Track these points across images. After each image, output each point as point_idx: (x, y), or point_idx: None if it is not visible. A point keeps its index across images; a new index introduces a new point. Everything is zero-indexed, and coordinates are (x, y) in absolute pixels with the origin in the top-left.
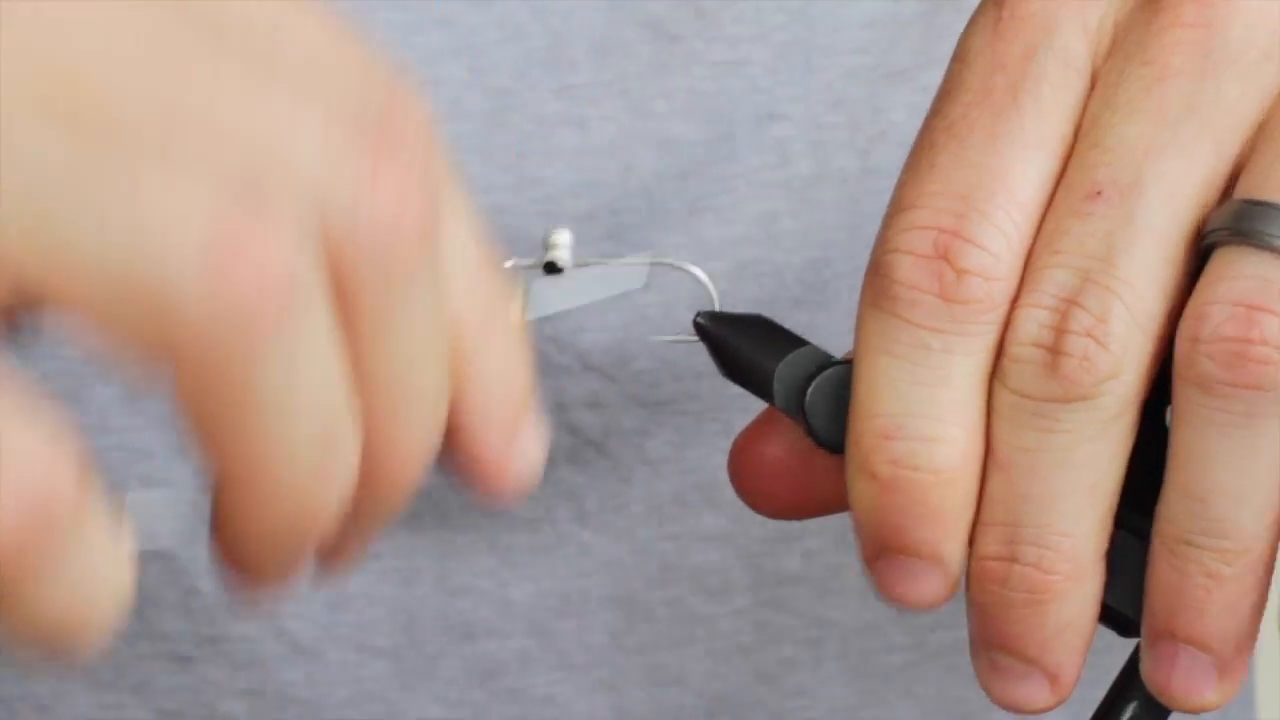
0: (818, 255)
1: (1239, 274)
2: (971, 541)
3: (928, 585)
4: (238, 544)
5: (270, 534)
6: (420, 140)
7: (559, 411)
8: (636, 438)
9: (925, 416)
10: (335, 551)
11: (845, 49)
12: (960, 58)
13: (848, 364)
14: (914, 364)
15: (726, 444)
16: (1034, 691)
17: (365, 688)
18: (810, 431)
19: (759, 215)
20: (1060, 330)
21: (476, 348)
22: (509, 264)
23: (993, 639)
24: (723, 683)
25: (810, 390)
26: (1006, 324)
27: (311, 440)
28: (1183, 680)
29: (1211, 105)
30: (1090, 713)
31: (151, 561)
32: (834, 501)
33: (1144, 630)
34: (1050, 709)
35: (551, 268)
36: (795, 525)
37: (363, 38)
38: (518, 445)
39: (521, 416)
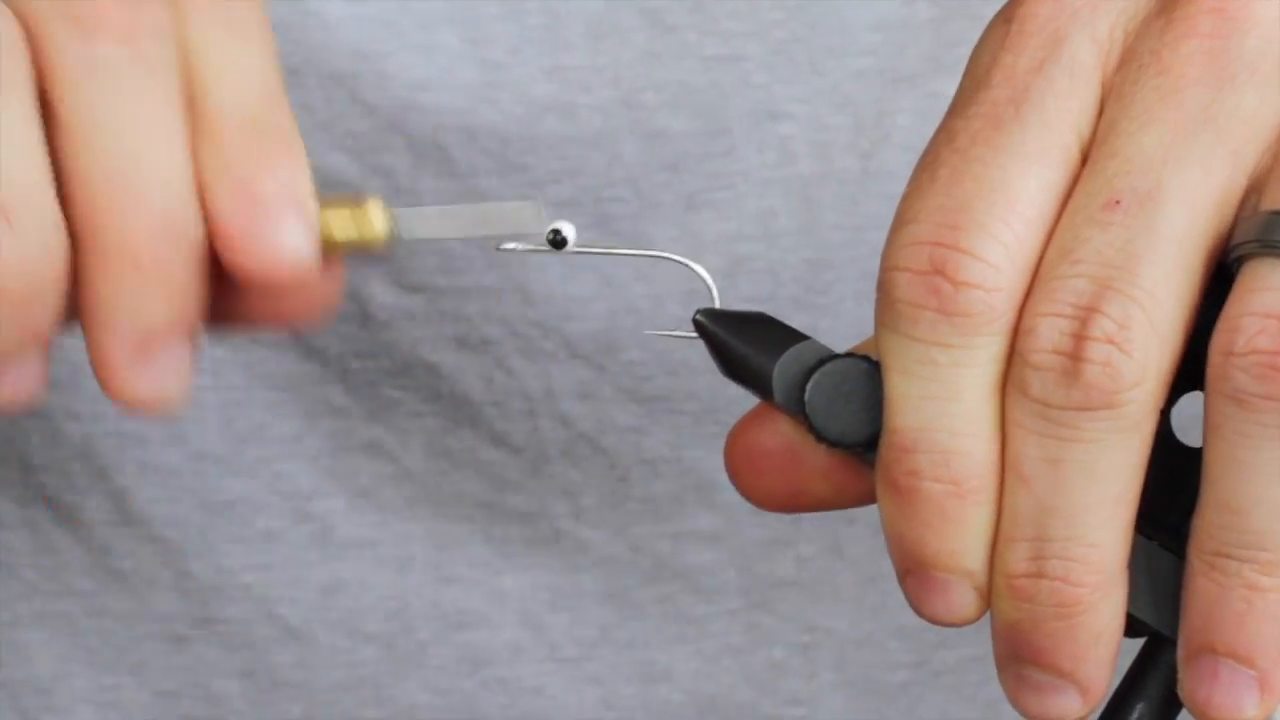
0: (816, 256)
1: (1270, 285)
2: (994, 558)
3: (958, 600)
4: (110, 314)
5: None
6: None
7: (548, 400)
8: (633, 435)
9: (940, 430)
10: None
11: (853, 51)
12: (970, 73)
13: (847, 357)
14: (924, 379)
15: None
16: (1067, 704)
17: (356, 672)
18: (811, 428)
19: (757, 212)
20: (1081, 337)
21: (223, 131)
22: (508, 246)
23: (1023, 654)
24: (712, 683)
25: (810, 386)
26: (1016, 333)
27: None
28: (1223, 695)
29: (1229, 115)
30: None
31: (146, 544)
32: (826, 497)
33: (1181, 646)
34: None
35: (557, 242)
36: (789, 530)
37: None
38: (266, 225)
39: (266, 198)
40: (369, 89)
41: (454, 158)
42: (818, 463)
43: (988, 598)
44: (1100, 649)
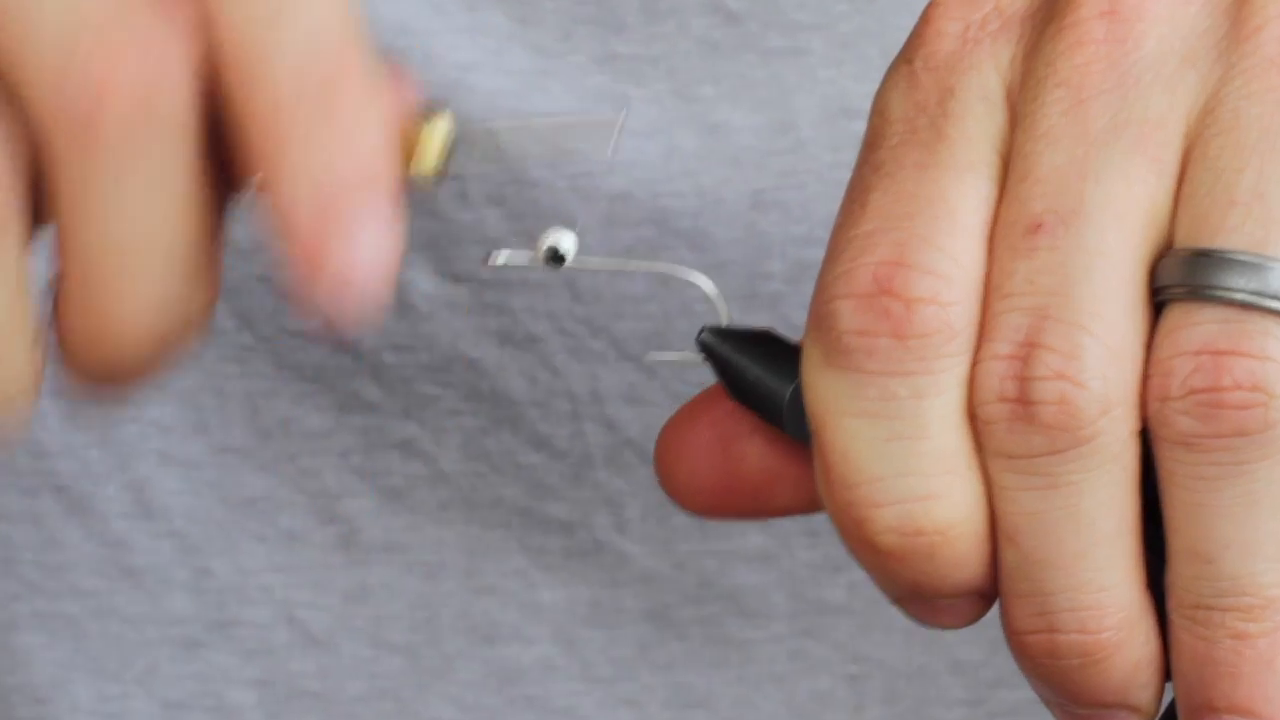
0: None
1: (1195, 321)
2: (1001, 612)
3: (966, 613)
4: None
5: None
6: None
7: (594, 402)
8: None
9: (912, 474)
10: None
11: None
12: (879, 112)
13: None
14: (886, 419)
15: None
16: (1125, 718)
17: (378, 684)
18: None
19: (827, 216)
20: (1024, 378)
21: (298, 125)
22: (501, 259)
23: (1064, 698)
24: (753, 711)
25: None
26: (973, 372)
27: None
28: None
29: (1140, 121)
30: None
31: (163, 539)
32: (760, 498)
33: (1180, 708)
34: None
35: (555, 257)
36: (843, 554)
37: None
38: (345, 235)
39: (336, 218)
40: (413, 68)
41: (504, 143)
42: (752, 457)
43: (996, 593)
44: (1143, 674)
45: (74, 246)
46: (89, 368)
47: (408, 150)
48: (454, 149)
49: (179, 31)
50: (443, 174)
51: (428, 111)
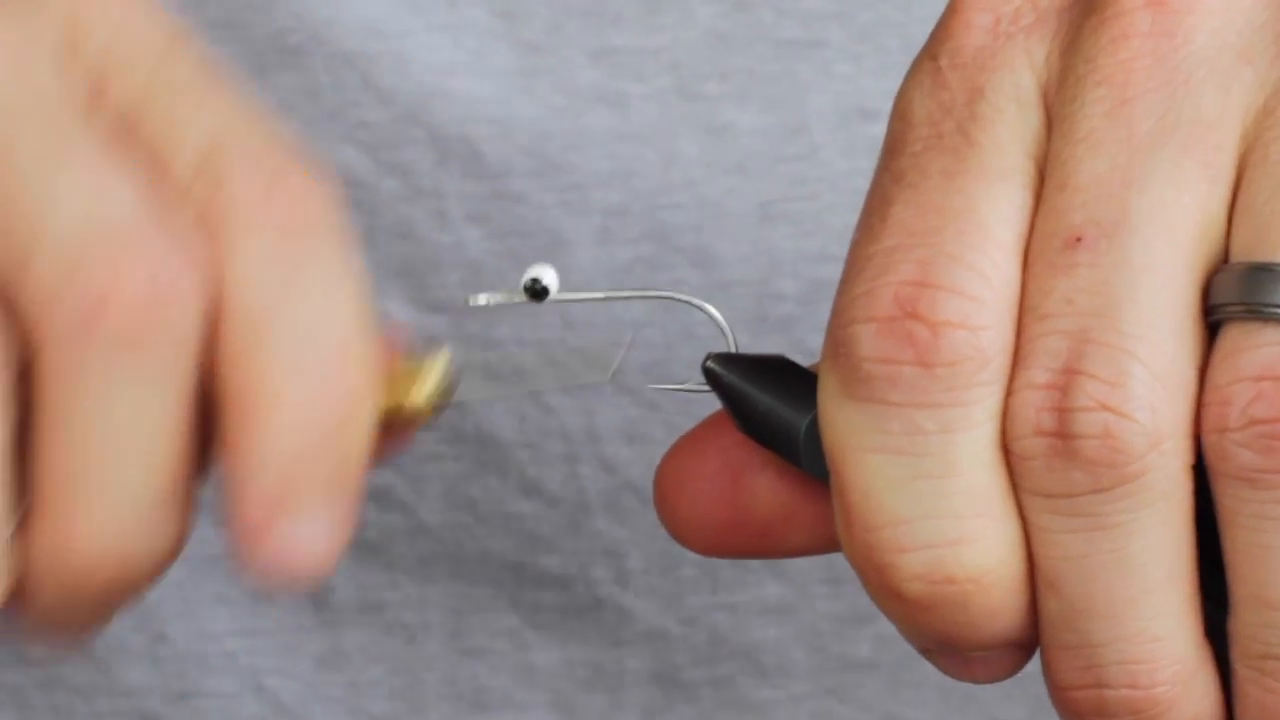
0: None
1: (1257, 343)
2: (1044, 666)
3: (1003, 666)
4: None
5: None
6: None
7: (590, 442)
8: None
9: (941, 516)
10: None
11: None
12: (901, 115)
13: None
14: (912, 456)
15: None
16: None
17: None
18: None
19: (842, 229)
20: (1064, 410)
21: (274, 400)
22: (482, 300)
23: None
24: None
25: None
26: (1007, 403)
27: None
28: None
29: (1191, 123)
30: None
31: None
32: (769, 534)
33: None
34: None
35: (536, 293)
36: (868, 605)
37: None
38: (279, 526)
39: (289, 497)
40: (386, 73)
41: (484, 155)
42: (763, 491)
43: (1036, 643)
44: None
45: (49, 460)
46: (49, 601)
47: (407, 388)
48: (456, 380)
49: (190, 261)
50: (444, 405)
51: (428, 349)
